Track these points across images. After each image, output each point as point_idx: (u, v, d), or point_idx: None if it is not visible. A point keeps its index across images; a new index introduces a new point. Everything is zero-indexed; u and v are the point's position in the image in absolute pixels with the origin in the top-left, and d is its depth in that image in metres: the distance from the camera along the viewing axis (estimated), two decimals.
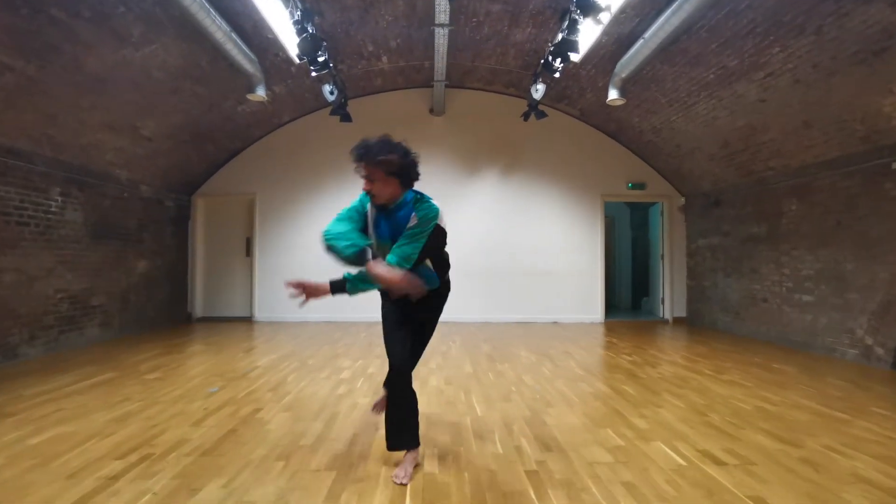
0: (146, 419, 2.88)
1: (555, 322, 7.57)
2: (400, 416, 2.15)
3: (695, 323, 7.44)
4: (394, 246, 2.01)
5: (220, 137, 6.90)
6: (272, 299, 7.46)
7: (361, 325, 6.83)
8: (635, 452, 2.42)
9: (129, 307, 6.10)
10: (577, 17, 4.39)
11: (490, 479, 2.10)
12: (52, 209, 4.92)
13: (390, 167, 1.99)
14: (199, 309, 7.61)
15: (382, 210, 2.10)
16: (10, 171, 4.37)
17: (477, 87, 7.60)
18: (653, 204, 8.43)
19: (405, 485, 2.04)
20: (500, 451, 2.44)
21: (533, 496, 1.96)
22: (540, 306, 7.64)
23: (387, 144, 2.02)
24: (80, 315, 5.30)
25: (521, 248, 7.68)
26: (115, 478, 2.11)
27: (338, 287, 2.02)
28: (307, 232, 7.44)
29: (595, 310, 7.68)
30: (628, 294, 9.82)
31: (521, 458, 2.34)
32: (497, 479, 2.11)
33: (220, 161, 7.50)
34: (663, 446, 2.49)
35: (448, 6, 4.52)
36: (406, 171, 2.04)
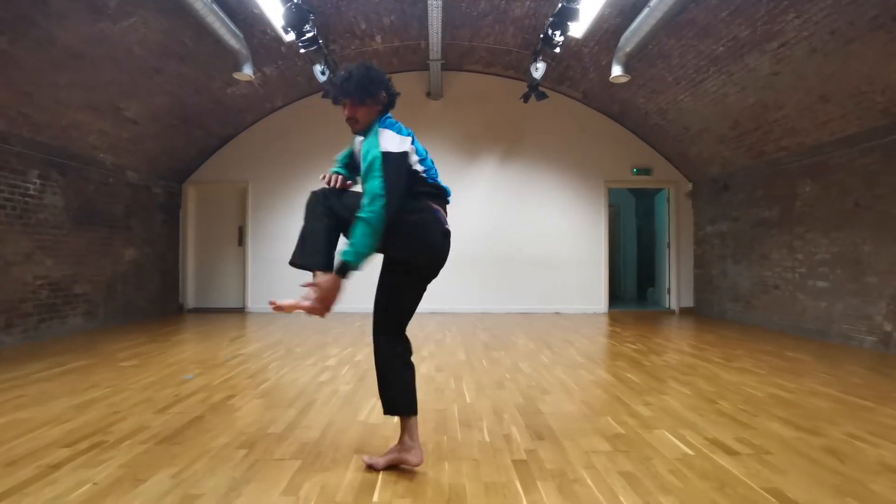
0: (109, 406, 2.67)
1: (557, 312, 7.32)
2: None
3: (703, 313, 7.17)
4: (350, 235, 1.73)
5: (209, 122, 6.69)
6: (265, 290, 7.26)
7: (357, 315, 6.61)
8: (637, 441, 2.18)
9: (116, 296, 5.92)
10: None
11: (472, 469, 1.87)
12: (31, 192, 4.73)
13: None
14: (190, 299, 7.42)
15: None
16: None
17: (475, 70, 7.35)
18: (658, 191, 8.14)
19: (373, 468, 1.83)
20: (487, 439, 2.21)
21: (518, 487, 1.72)
22: (541, 296, 7.39)
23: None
24: (62, 303, 5.12)
25: (522, 236, 7.43)
26: (56, 466, 1.89)
27: (344, 270, 1.74)
28: (295, 219, 7.23)
29: (598, 300, 7.43)
30: (633, 285, 9.56)
31: (509, 447, 2.10)
32: (480, 470, 1.88)
33: (212, 147, 7.30)
34: (668, 434, 2.25)
35: None
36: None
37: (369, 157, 1.72)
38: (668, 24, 4.82)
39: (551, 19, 4.66)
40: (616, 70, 5.43)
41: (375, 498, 1.67)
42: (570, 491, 1.70)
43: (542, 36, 5.12)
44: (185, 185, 7.36)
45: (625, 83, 6.03)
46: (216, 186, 7.46)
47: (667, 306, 7.73)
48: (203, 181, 7.43)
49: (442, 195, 1.94)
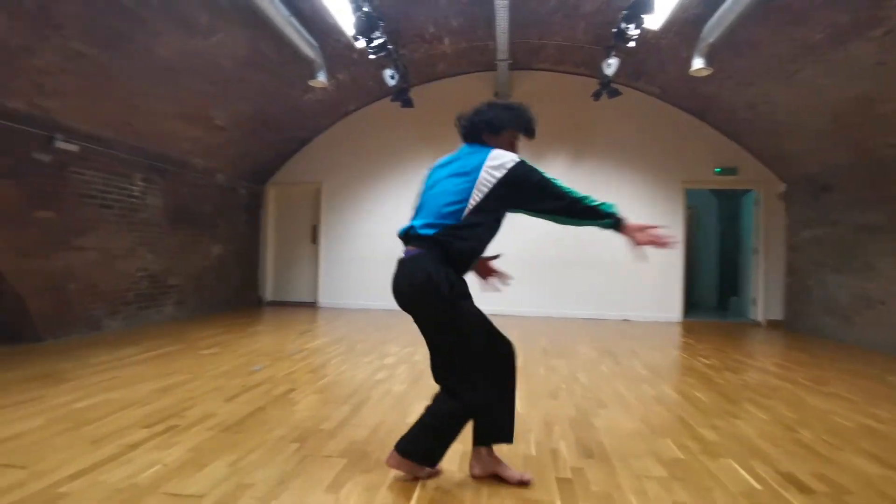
0: (185, 391, 2.92)
1: (625, 319, 6.98)
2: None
3: (794, 327, 6.50)
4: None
5: (286, 126, 7.10)
6: (336, 286, 7.60)
7: None
8: (697, 469, 2.01)
9: (203, 289, 6.47)
10: None
11: (516, 486, 1.83)
12: (135, 193, 5.29)
13: None
14: (268, 293, 7.94)
15: None
16: (95, 156, 4.73)
17: (545, 68, 7.18)
18: (745, 192, 7.50)
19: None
20: (533, 453, 2.15)
21: None
22: (609, 302, 7.08)
23: None
24: (158, 293, 5.68)
25: (590, 239, 7.12)
26: (134, 446, 2.10)
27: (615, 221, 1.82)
28: (370, 220, 7.48)
29: (672, 308, 6.98)
30: (713, 293, 8.87)
31: (555, 463, 2.03)
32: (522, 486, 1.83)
33: (290, 150, 7.74)
34: (735, 464, 2.06)
35: None
36: None
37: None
38: (758, 11, 4.42)
39: (624, 12, 4.43)
40: (697, 62, 5.06)
41: (413, 503, 1.68)
42: None
43: (614, 30, 4.89)
44: (267, 186, 7.87)
45: (708, 76, 5.60)
46: (293, 187, 7.91)
47: (752, 318, 7.09)
48: (281, 182, 7.90)
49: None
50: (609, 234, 6.20)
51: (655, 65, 6.28)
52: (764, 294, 6.90)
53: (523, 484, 1.80)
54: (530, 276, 7.16)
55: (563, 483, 1.85)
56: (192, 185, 6.20)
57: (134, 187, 5.28)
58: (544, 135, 7.70)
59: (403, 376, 3.43)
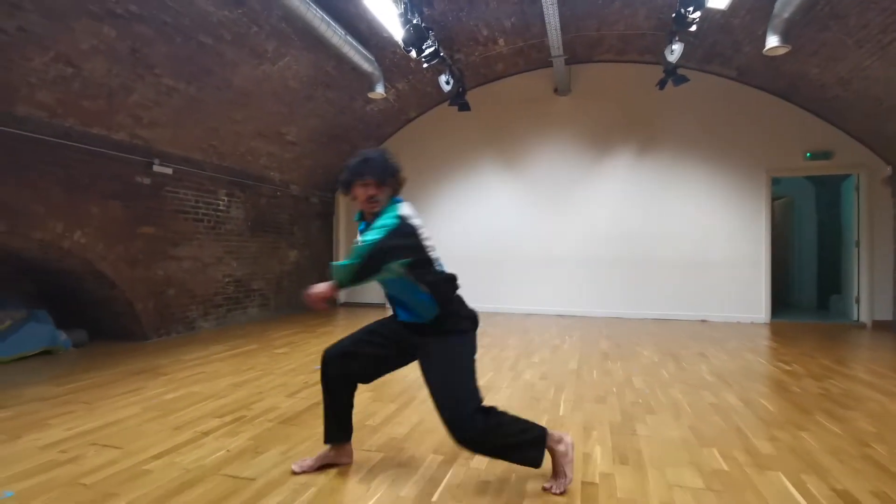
0: (256, 387, 3.25)
1: (703, 320, 6.55)
2: None
3: None
4: None
5: (354, 137, 7.50)
6: None
7: (500, 315, 6.82)
8: (740, 482, 1.91)
9: (283, 291, 7.03)
10: None
11: (536, 486, 1.86)
12: (220, 207, 5.89)
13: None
14: (343, 294, 8.42)
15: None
16: (186, 176, 5.34)
17: (607, 59, 6.93)
18: (846, 178, 6.72)
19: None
20: None
21: None
22: (684, 302, 6.68)
23: (383, 155, 1.89)
24: (243, 296, 6.27)
25: (662, 235, 6.81)
26: (206, 433, 2.41)
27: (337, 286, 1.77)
28: (435, 222, 7.67)
29: (757, 308, 6.43)
30: (812, 291, 8.02)
31: (584, 468, 2.03)
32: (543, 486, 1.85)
33: None
34: (784, 479, 1.93)
35: None
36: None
37: (381, 223, 1.73)
38: None
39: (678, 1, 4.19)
40: (772, 40, 4.64)
41: (434, 498, 1.78)
42: None
43: (673, 15, 4.63)
44: (337, 194, 8.36)
45: (790, 54, 5.12)
46: None
47: (854, 318, 6.34)
48: None
49: (454, 281, 1.90)
50: (687, 232, 5.91)
51: (729, 46, 5.83)
52: (868, 292, 6.14)
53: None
54: (598, 276, 6.97)
55: (587, 487, 1.86)
56: (270, 196, 6.77)
57: (219, 202, 5.88)
58: (608, 128, 7.48)
59: None
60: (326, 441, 2.03)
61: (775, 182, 8.00)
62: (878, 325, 6.05)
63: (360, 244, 1.70)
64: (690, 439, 2.36)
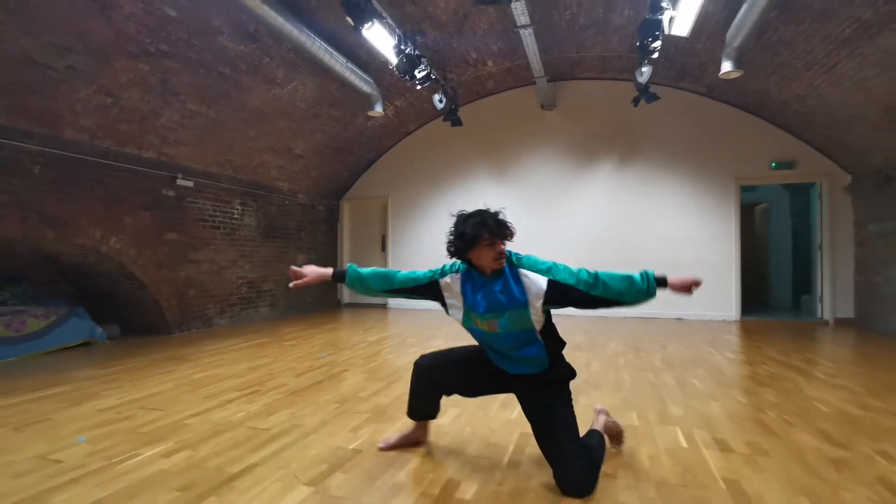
0: (268, 370, 3.84)
1: (679, 318, 7.06)
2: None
3: (866, 325, 6.20)
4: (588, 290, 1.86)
5: (357, 149, 8.11)
6: None
7: None
8: (643, 431, 2.45)
9: (291, 292, 7.63)
10: None
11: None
12: (235, 215, 6.51)
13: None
14: (346, 296, 9.01)
15: (477, 280, 1.94)
16: (205, 188, 5.97)
17: (589, 77, 7.49)
18: (814, 185, 7.20)
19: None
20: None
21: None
22: (663, 301, 7.11)
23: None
24: (255, 297, 6.88)
25: (642, 239, 7.33)
26: (229, 401, 2.99)
27: (338, 276, 2.10)
28: (432, 228, 8.25)
29: (728, 307, 6.93)
30: (788, 292, 8.49)
31: (526, 426, 2.58)
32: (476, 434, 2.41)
33: (360, 170, 8.78)
34: (679, 431, 2.47)
35: (525, 8, 4.74)
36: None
37: (550, 265, 1.93)
38: (783, 12, 4.54)
39: (637, 33, 4.75)
40: (726, 66, 5.18)
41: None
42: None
43: (637, 44, 5.18)
44: (342, 201, 8.97)
45: (753, 73, 5.68)
46: (364, 202, 8.93)
47: (819, 316, 6.82)
48: (354, 197, 8.96)
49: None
50: (664, 236, 6.50)
51: (696, 67, 6.38)
52: (831, 291, 6.62)
53: None
54: None
55: (523, 437, 2.41)
56: (279, 205, 7.39)
57: (234, 210, 6.50)
58: (591, 140, 8.03)
59: None
60: (412, 417, 2.28)
61: (752, 189, 8.53)
62: (840, 322, 6.52)
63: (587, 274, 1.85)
64: (619, 405, 2.90)
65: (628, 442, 2.31)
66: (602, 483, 1.90)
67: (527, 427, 2.52)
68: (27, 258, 5.00)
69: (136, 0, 3.87)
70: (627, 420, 2.63)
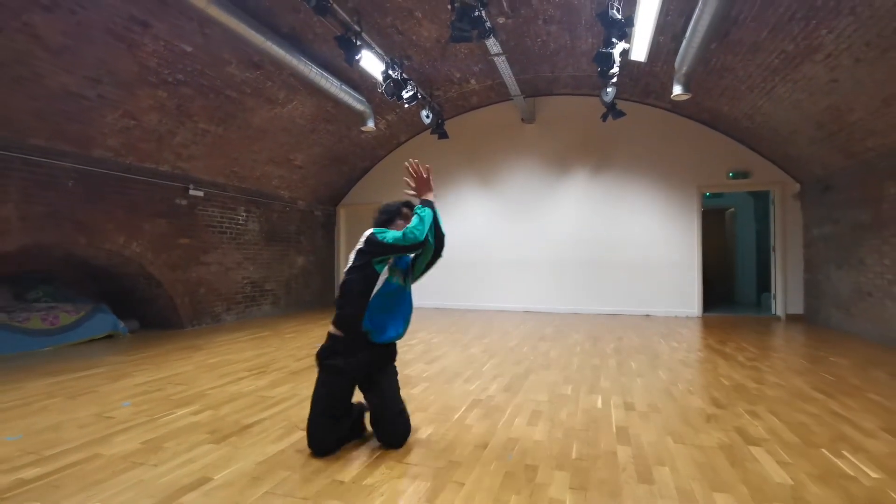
0: (271, 356, 4.47)
1: (647, 315, 7.70)
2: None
3: (813, 320, 6.84)
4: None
5: (352, 159, 8.76)
6: None
7: (474, 312, 8.02)
8: (571, 399, 3.09)
9: (291, 292, 8.27)
10: (609, 31, 4.87)
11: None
12: (240, 221, 7.15)
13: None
14: None
15: None
16: (214, 197, 6.61)
17: (565, 93, 8.14)
18: None
19: None
20: (472, 388, 3.34)
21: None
22: (633, 299, 7.83)
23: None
24: (259, 296, 7.52)
25: (613, 242, 7.97)
26: (241, 378, 3.63)
27: (430, 204, 2.38)
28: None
29: (691, 304, 7.57)
30: (752, 290, 9.14)
31: (480, 393, 3.22)
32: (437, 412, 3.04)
33: (355, 178, 9.42)
34: (599, 398, 3.11)
35: (497, 41, 5.39)
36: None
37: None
38: (721, 45, 5.19)
39: (593, 62, 5.40)
40: (676, 89, 5.82)
41: None
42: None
43: (598, 69, 5.83)
44: (338, 207, 9.62)
45: (706, 93, 6.35)
46: (359, 207, 9.58)
47: (773, 312, 7.47)
48: (350, 203, 9.61)
49: None
50: (633, 238, 7.29)
51: (658, 86, 7.03)
52: (783, 289, 7.27)
53: None
54: (560, 277, 8.15)
55: (476, 402, 3.05)
56: (280, 211, 8.03)
57: (239, 217, 7.14)
58: (568, 150, 8.70)
59: (417, 349, 4.74)
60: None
61: (720, 196, 9.19)
62: (791, 318, 7.17)
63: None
64: (560, 381, 3.54)
65: (554, 403, 2.95)
66: (523, 428, 2.54)
67: (481, 394, 3.17)
68: (59, 261, 5.65)
69: (158, 39, 4.52)
70: (562, 391, 3.27)
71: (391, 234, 2.28)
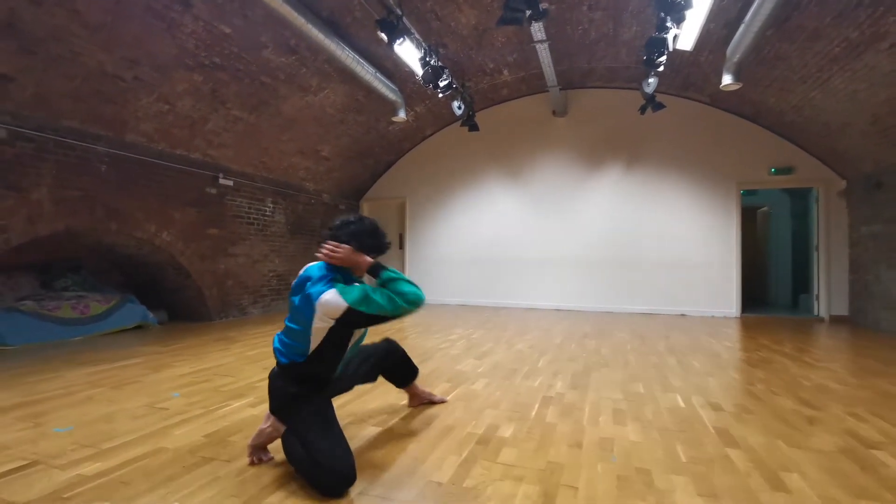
0: None
1: (682, 314, 7.46)
2: None
3: (858, 322, 6.59)
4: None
5: (378, 152, 8.58)
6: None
7: (504, 309, 7.81)
8: (647, 398, 2.89)
9: None
10: (664, 15, 4.66)
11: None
12: (267, 213, 6.99)
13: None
14: None
15: (356, 281, 2.04)
16: (242, 188, 6.44)
17: (598, 86, 7.93)
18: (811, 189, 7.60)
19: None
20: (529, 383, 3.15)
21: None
22: (667, 298, 7.60)
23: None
24: (284, 288, 7.35)
25: (647, 239, 7.75)
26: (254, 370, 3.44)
27: (374, 270, 1.97)
28: (447, 228, 8.71)
29: (729, 304, 7.33)
30: (787, 290, 8.88)
31: (548, 391, 3.02)
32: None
33: (379, 171, 9.24)
34: (679, 397, 2.90)
35: (542, 26, 5.19)
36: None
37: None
38: (778, 31, 4.96)
39: (644, 49, 5.18)
40: (726, 79, 5.61)
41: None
42: None
43: (644, 58, 5.62)
44: (362, 201, 9.44)
45: (752, 85, 6.12)
46: (383, 202, 9.40)
47: (815, 314, 7.21)
48: (374, 197, 9.43)
49: None
50: (669, 237, 7.02)
51: (700, 78, 6.80)
52: (826, 290, 7.02)
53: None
54: (591, 275, 7.93)
55: (546, 400, 2.85)
56: (306, 203, 7.86)
57: (266, 208, 6.97)
58: (599, 145, 8.49)
59: (460, 345, 4.55)
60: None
61: (754, 193, 8.94)
62: (835, 319, 6.92)
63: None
64: (626, 379, 3.33)
65: (633, 402, 2.74)
66: (612, 427, 2.34)
67: (549, 391, 2.97)
68: (87, 249, 5.49)
69: (198, 19, 4.35)
70: (634, 389, 3.06)
71: (376, 304, 1.78)
